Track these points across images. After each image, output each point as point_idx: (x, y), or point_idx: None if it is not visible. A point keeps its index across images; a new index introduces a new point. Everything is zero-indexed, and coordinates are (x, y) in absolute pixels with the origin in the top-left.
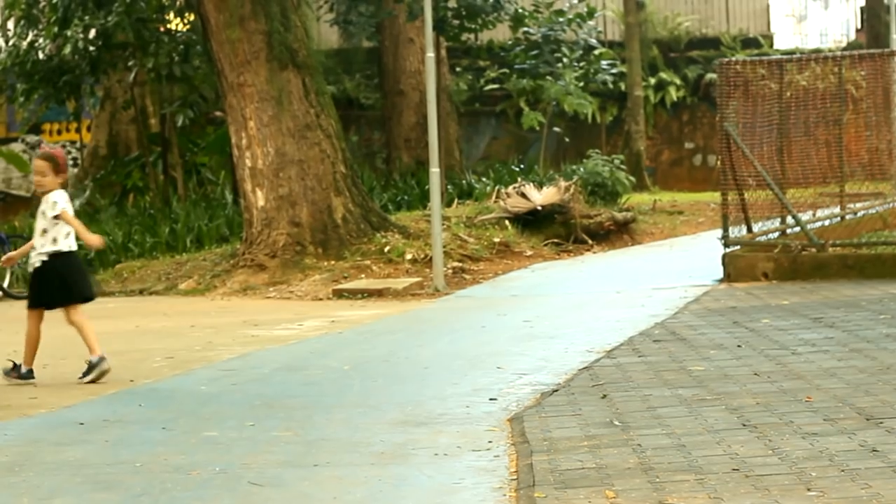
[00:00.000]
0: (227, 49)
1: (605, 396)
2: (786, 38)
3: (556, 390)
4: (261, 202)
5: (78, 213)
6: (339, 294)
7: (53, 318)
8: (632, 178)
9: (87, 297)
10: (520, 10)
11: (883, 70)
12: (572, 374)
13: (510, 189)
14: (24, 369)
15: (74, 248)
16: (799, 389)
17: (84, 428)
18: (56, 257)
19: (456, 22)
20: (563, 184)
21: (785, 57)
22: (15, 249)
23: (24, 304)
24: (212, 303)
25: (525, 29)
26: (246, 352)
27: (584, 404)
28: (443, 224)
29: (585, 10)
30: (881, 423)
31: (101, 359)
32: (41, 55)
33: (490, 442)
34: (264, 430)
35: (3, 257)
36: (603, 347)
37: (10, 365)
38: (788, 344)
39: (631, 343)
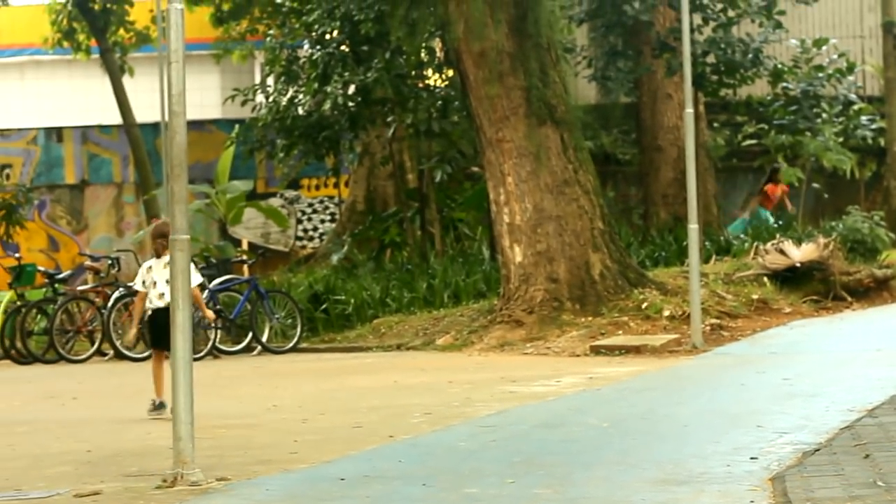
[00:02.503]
0: (485, 105)
1: (867, 456)
2: None
3: (818, 449)
4: (518, 258)
5: (336, 268)
6: (596, 350)
7: (314, 374)
8: (891, 235)
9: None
10: (779, 66)
11: None
12: (834, 434)
13: (768, 245)
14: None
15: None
16: None
17: (345, 483)
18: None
19: (714, 77)
20: (821, 240)
21: None
22: (274, 304)
23: (283, 357)
24: (469, 358)
25: (784, 84)
26: (504, 408)
27: (846, 464)
28: (700, 280)
29: (845, 64)
30: None
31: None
32: (301, 111)
33: (752, 502)
34: (524, 487)
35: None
36: (864, 406)
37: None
38: None
39: (893, 402)
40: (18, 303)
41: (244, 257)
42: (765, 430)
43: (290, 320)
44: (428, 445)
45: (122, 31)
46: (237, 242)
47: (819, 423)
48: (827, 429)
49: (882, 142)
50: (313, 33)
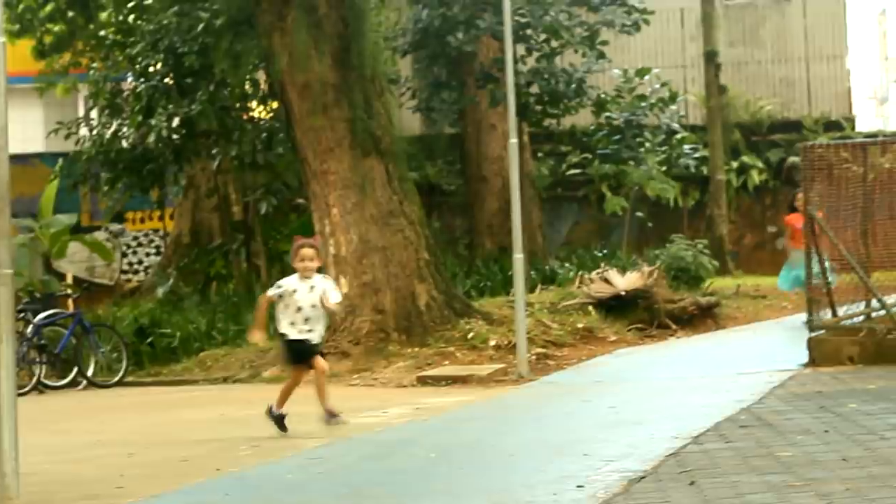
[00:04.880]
0: (310, 137)
1: (693, 483)
2: (868, 120)
3: (644, 477)
4: (344, 289)
5: (162, 301)
6: (422, 381)
7: (141, 408)
8: (715, 263)
9: None
10: (602, 96)
11: None
12: (659, 461)
13: (593, 274)
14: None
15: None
16: (889, 475)
17: None
18: None
19: (538, 107)
20: (646, 269)
21: (868, 139)
22: (99, 338)
23: (109, 392)
24: (296, 390)
25: (607, 114)
26: (331, 440)
27: (672, 491)
28: (526, 310)
29: (668, 94)
30: None
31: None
32: (125, 144)
33: None
34: None
35: None
36: (689, 433)
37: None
38: (876, 428)
39: (717, 429)
40: None
41: (69, 291)
42: (591, 458)
43: (115, 354)
44: (255, 478)
45: None
46: (61, 276)
47: (645, 451)
48: (653, 456)
49: (705, 170)
50: (137, 66)
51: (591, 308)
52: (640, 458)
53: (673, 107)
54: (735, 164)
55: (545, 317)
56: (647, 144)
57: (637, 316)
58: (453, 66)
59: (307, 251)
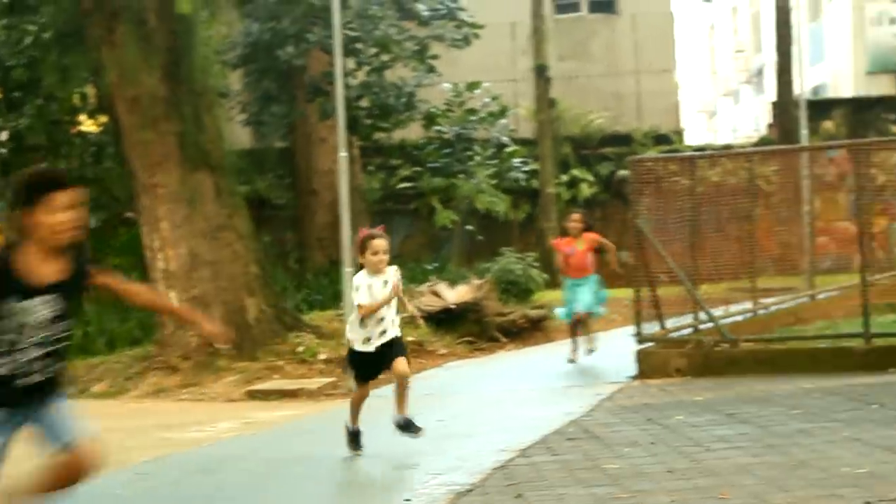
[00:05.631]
0: (139, 150)
1: (519, 496)
2: (697, 133)
3: (471, 490)
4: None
5: None
6: (252, 395)
7: None
8: (545, 276)
9: None
10: (432, 110)
11: (793, 165)
12: (487, 474)
13: (423, 288)
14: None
15: None
16: (714, 486)
17: None
18: None
19: (369, 121)
20: (476, 282)
21: (696, 153)
22: None
23: None
24: (124, 405)
25: (437, 127)
26: (160, 455)
27: None
28: None
29: (498, 108)
30: None
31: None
32: None
33: None
34: None
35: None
36: (517, 446)
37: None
38: (702, 440)
39: (545, 442)
40: None
41: None
42: (419, 472)
43: None
44: (81, 494)
45: None
46: None
47: (473, 464)
48: (480, 469)
49: (535, 183)
50: None
51: (420, 321)
52: (468, 471)
53: (503, 120)
54: (565, 178)
55: None
56: (477, 158)
57: (467, 329)
58: (283, 80)
59: (381, 243)
